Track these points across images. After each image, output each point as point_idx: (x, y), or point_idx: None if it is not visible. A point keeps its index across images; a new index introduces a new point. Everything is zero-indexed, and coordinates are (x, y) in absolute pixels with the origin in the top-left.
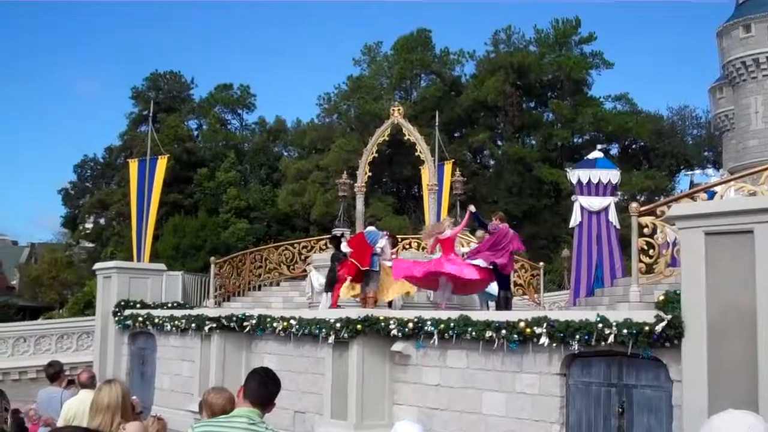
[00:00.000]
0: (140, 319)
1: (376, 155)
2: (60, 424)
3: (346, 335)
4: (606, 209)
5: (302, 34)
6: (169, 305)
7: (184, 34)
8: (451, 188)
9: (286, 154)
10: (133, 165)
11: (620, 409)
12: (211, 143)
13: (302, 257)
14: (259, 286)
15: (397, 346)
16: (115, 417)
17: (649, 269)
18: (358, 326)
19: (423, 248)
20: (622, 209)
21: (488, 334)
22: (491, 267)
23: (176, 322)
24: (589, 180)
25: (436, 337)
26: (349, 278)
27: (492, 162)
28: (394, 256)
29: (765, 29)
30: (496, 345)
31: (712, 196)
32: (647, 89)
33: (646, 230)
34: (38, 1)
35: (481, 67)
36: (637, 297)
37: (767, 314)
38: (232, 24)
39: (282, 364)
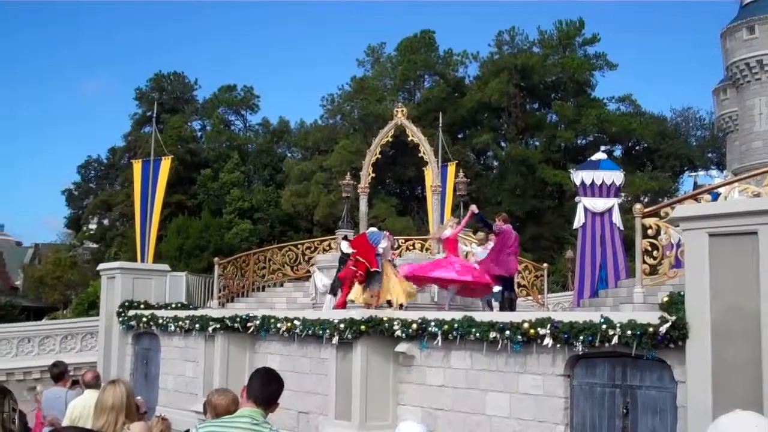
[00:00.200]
0: (144, 319)
1: (380, 156)
2: (65, 423)
3: (349, 336)
4: (610, 210)
5: (306, 35)
6: (173, 306)
7: (188, 35)
8: (455, 189)
9: (289, 155)
10: (137, 166)
11: (624, 410)
12: (215, 144)
13: (306, 258)
14: (263, 287)
15: (401, 347)
16: (119, 417)
17: (653, 270)
18: (362, 327)
19: (426, 249)
20: (625, 210)
21: (492, 335)
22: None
23: (180, 323)
24: (593, 181)
25: (440, 337)
26: (357, 282)
27: (495, 163)
28: (395, 256)
29: None
30: (500, 346)
31: (716, 197)
32: (651, 90)
33: (650, 231)
34: (43, 1)
35: (485, 68)
36: (641, 298)
37: None
38: (235, 25)
39: (286, 364)
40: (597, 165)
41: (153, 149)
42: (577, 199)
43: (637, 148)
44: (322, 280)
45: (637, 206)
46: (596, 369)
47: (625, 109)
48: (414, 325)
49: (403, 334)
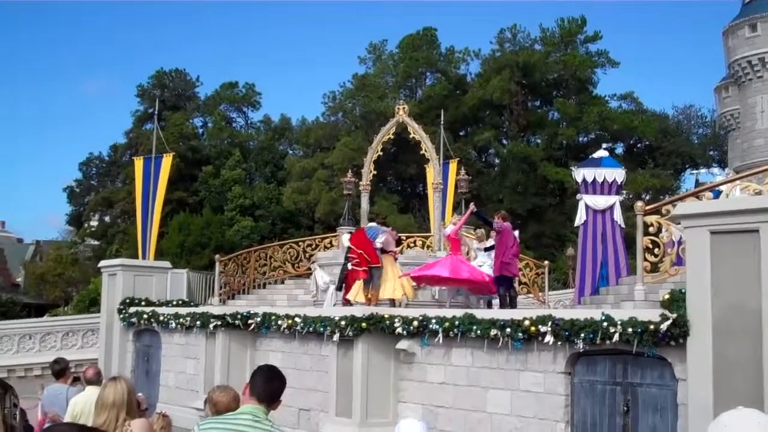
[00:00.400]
0: (145, 316)
1: (381, 153)
2: (67, 419)
3: (350, 333)
4: (611, 208)
5: (308, 33)
6: (174, 303)
7: (188, 35)
8: (456, 187)
9: (291, 152)
10: (139, 163)
11: (625, 408)
12: (217, 141)
13: (307, 255)
14: (264, 284)
15: (402, 344)
16: (120, 414)
17: (654, 268)
18: (363, 324)
19: (428, 246)
20: (627, 208)
21: (493, 332)
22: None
23: (181, 320)
24: (594, 179)
25: (440, 335)
26: (361, 280)
27: (497, 161)
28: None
29: None
30: (500, 343)
31: (717, 195)
32: (653, 88)
33: (651, 229)
34: (43, 1)
35: (487, 65)
36: (642, 296)
37: None
38: (237, 22)
39: (287, 361)
40: (598, 162)
41: (154, 146)
42: (578, 196)
43: (638, 145)
44: (323, 277)
45: (639, 204)
46: (597, 366)
47: (626, 107)
48: (415, 323)
49: (404, 332)
